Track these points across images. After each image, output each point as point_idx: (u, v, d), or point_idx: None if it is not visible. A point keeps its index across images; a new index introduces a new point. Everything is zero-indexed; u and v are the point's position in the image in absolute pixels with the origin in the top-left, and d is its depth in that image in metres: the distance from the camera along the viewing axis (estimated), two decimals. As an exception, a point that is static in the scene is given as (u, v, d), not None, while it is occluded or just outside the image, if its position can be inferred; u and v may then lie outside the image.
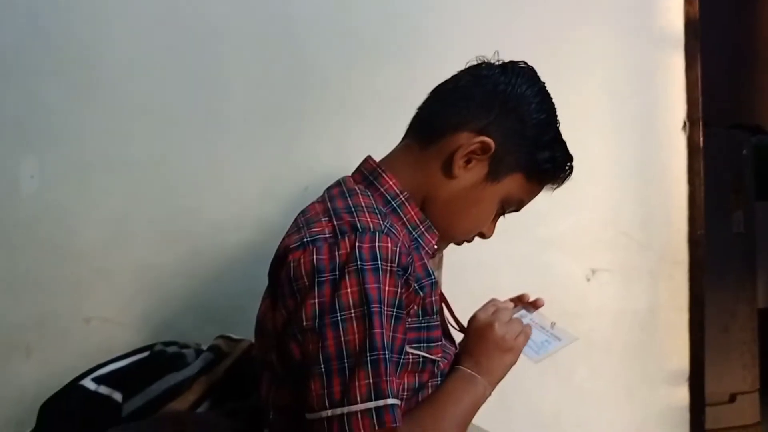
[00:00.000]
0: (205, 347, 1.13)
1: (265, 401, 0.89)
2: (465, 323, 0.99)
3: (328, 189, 0.96)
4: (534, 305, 1.05)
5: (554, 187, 1.00)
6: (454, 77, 0.98)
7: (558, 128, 0.98)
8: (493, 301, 1.01)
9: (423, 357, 0.87)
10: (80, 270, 1.39)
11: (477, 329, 0.95)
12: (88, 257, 1.39)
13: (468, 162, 0.92)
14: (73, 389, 1.02)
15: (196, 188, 1.44)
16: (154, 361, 1.06)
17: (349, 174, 0.99)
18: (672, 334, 1.69)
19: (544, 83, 0.97)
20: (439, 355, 0.90)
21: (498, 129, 0.92)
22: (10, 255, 1.37)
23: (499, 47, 1.04)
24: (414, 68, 1.52)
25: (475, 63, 0.99)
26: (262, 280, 0.96)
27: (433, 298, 0.89)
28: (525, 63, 0.97)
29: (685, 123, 1.73)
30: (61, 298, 1.39)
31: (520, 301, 1.06)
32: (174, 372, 1.03)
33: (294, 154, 1.48)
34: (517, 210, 1.01)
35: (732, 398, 2.36)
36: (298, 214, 0.93)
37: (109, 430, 0.93)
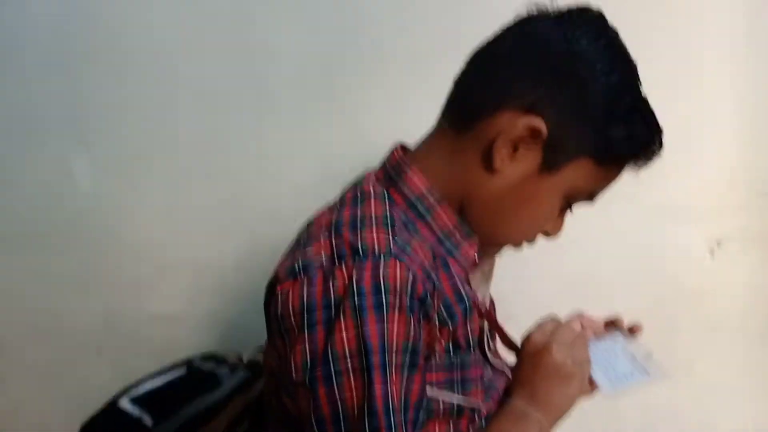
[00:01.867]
0: (246, 358, 1.04)
1: None
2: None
3: (344, 190, 0.80)
4: (631, 331, 0.85)
5: (637, 168, 0.77)
6: (496, 37, 0.77)
7: (638, 93, 0.74)
8: (553, 318, 0.82)
9: (457, 405, 0.71)
10: (141, 267, 1.35)
11: (531, 353, 0.77)
12: (147, 254, 1.35)
13: (515, 150, 0.72)
14: (111, 412, 0.97)
15: (249, 176, 1.33)
16: (188, 382, 0.98)
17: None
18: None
19: (616, 34, 0.74)
20: (480, 399, 0.73)
21: (552, 104, 0.70)
22: (70, 256, 1.35)
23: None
24: (482, 15, 1.29)
25: (525, 14, 0.77)
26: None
27: (469, 327, 0.72)
28: (590, 8, 0.74)
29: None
30: (125, 297, 1.36)
31: (614, 325, 0.85)
32: (206, 394, 0.95)
33: (351, 134, 1.32)
34: (591, 201, 0.80)
35: None
36: (306, 223, 0.79)
37: None
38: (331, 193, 1.31)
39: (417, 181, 0.75)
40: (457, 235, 0.76)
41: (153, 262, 1.36)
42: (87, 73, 1.32)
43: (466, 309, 0.72)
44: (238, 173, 1.34)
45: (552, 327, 0.79)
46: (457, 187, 0.75)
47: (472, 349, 0.73)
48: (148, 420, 0.93)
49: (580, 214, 0.86)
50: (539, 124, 0.70)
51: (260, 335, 1.18)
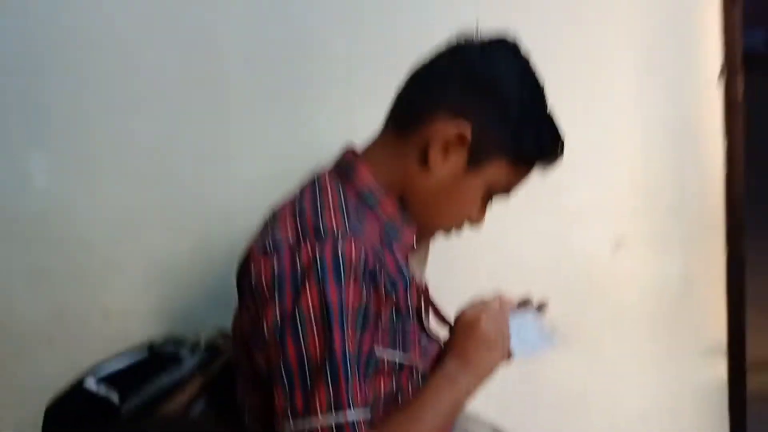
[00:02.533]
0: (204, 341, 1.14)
1: (240, 404, 0.91)
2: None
3: (303, 184, 0.93)
4: (539, 309, 1.01)
5: (544, 168, 0.94)
6: (431, 59, 0.93)
7: (544, 105, 0.92)
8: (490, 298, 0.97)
9: (399, 363, 0.86)
10: (93, 263, 1.42)
11: (462, 325, 0.92)
12: (100, 250, 1.41)
13: (445, 151, 0.87)
14: (76, 391, 1.05)
15: (202, 175, 1.43)
16: (151, 362, 1.07)
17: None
18: (708, 304, 1.59)
19: (528, 59, 0.92)
20: (418, 359, 0.88)
21: (475, 112, 0.87)
22: (24, 250, 1.40)
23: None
24: (422, 36, 1.43)
25: (455, 39, 0.93)
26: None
27: (409, 298, 0.87)
28: (507, 37, 0.92)
29: (722, 68, 1.57)
30: (77, 292, 1.42)
31: (525, 304, 1.02)
32: (169, 372, 1.05)
33: (301, 133, 1.44)
34: (507, 195, 0.96)
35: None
36: (270, 212, 0.91)
37: None
38: (282, 192, 1.42)
39: (365, 177, 0.90)
40: (399, 223, 0.91)
41: (105, 258, 1.42)
42: (45, 72, 1.38)
43: (406, 283, 0.87)
44: (191, 172, 1.44)
45: (480, 305, 0.94)
46: (399, 182, 0.91)
47: (411, 317, 0.88)
48: (115, 397, 1.02)
49: (502, 214, 1.02)
50: (466, 128, 0.86)
51: (210, 325, 1.28)
